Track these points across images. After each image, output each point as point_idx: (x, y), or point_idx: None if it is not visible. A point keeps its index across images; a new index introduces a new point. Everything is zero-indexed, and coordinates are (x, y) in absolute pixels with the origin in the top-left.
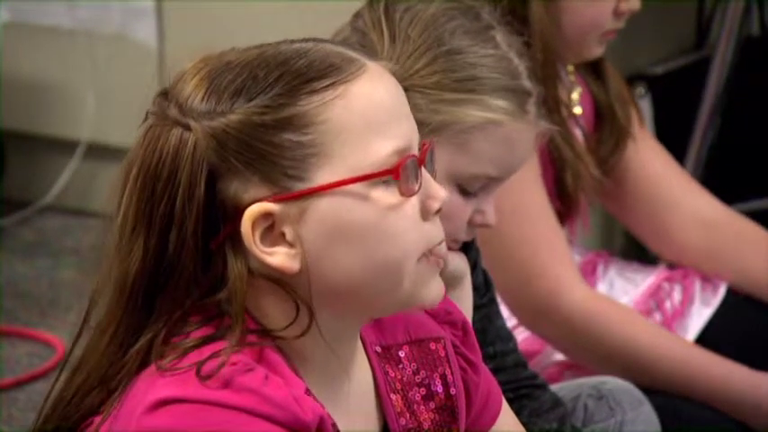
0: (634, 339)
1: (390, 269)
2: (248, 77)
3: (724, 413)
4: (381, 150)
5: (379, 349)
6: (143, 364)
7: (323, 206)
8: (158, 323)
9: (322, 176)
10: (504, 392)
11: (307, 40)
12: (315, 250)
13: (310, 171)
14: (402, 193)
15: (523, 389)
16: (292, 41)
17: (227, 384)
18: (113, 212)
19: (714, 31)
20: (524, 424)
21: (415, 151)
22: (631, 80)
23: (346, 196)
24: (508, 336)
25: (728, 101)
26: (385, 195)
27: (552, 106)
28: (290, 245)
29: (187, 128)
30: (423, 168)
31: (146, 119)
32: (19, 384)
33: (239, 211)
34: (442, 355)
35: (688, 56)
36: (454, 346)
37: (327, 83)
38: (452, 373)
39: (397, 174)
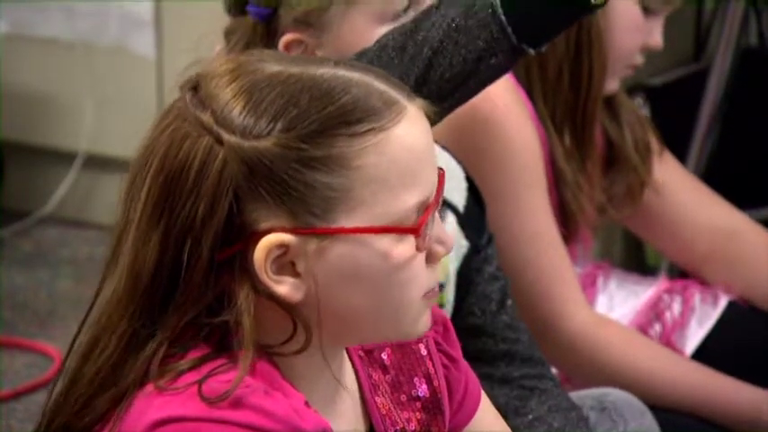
0: (635, 363)
1: (394, 310)
2: (290, 102)
3: (726, 428)
4: (407, 202)
5: (362, 353)
6: (144, 378)
7: (340, 249)
8: (165, 332)
9: (345, 220)
10: (530, 378)
11: (352, 67)
12: (324, 287)
13: (335, 213)
14: (418, 249)
15: (549, 380)
16: (335, 63)
17: (226, 401)
18: (133, 197)
19: (712, 43)
20: (542, 416)
21: (434, 192)
22: (630, 91)
23: (365, 243)
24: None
25: (727, 112)
26: (402, 248)
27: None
28: (298, 275)
29: (219, 141)
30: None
31: (170, 109)
32: (17, 395)
33: (255, 235)
34: (425, 353)
35: (686, 67)
36: (436, 343)
37: (367, 128)
38: (436, 371)
39: (418, 232)
